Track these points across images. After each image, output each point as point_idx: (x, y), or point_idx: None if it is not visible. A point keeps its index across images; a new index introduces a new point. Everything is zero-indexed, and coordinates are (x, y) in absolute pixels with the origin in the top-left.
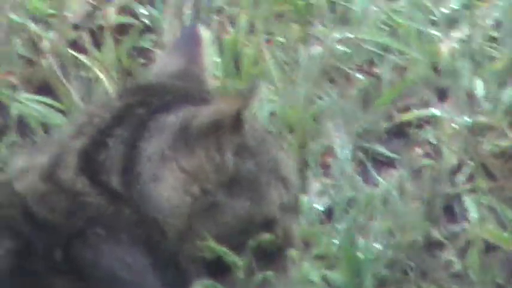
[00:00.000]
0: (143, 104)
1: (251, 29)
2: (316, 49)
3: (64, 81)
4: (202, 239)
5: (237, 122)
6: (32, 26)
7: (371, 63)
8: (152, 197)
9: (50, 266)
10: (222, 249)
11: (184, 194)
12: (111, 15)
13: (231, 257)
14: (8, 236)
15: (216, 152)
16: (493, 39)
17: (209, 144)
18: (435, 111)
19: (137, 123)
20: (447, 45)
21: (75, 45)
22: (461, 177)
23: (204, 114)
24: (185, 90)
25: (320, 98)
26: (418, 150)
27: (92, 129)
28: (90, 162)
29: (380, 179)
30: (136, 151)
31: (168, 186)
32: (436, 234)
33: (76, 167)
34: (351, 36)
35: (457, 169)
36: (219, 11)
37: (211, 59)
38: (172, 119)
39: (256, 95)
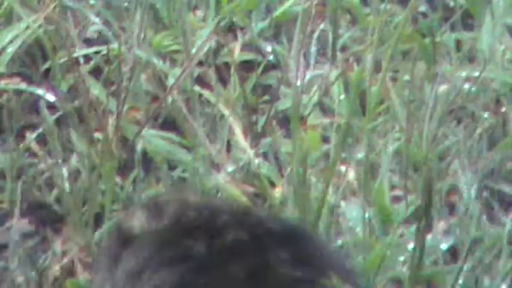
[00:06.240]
0: None
1: (377, 67)
2: (442, 88)
3: (188, 117)
4: None
5: None
6: (157, 62)
7: (498, 102)
8: None
9: None
10: None
11: None
12: (236, 52)
13: None
14: None
15: None
16: None
17: None
18: None
19: None
20: None
21: (200, 81)
22: None
23: None
24: None
25: (445, 136)
26: None
27: None
28: None
29: (506, 219)
30: None
31: None
32: None
33: None
34: (477, 75)
35: None
36: (344, 48)
37: (336, 96)
38: None
39: None
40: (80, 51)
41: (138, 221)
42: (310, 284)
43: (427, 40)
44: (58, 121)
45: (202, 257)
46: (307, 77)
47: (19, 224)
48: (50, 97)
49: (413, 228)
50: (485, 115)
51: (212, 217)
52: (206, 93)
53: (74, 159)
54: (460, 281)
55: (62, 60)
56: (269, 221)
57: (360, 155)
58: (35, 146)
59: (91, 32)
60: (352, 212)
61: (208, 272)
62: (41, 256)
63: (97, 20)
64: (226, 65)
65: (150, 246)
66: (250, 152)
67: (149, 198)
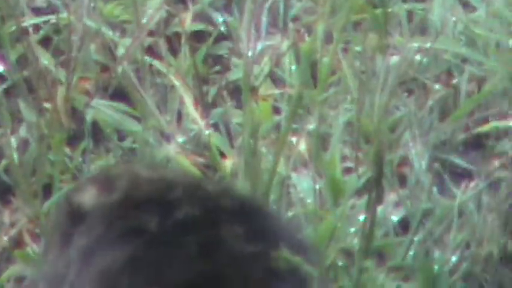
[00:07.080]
0: None
1: (328, 38)
2: (394, 59)
3: (139, 87)
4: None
5: None
6: (107, 32)
7: (449, 73)
8: None
9: None
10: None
11: None
12: (187, 22)
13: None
14: None
15: None
16: None
17: None
18: None
19: None
20: None
21: (150, 51)
22: None
23: None
24: None
25: (397, 108)
26: (496, 162)
27: None
28: None
29: (456, 191)
30: None
31: None
32: None
33: None
34: (429, 46)
35: None
36: (296, 18)
37: (287, 67)
38: None
39: None
40: (29, 21)
41: (88, 196)
42: (263, 258)
43: (379, 11)
44: (7, 91)
45: (154, 233)
46: (259, 47)
47: None
48: None
49: (364, 199)
50: (437, 86)
51: (164, 191)
52: (157, 63)
53: (22, 130)
54: (411, 253)
55: (11, 29)
56: (222, 195)
57: (311, 126)
58: None
59: (40, 1)
60: (303, 183)
61: (160, 247)
62: None
63: None
64: (177, 35)
65: (102, 222)
66: (201, 123)
67: (100, 171)
